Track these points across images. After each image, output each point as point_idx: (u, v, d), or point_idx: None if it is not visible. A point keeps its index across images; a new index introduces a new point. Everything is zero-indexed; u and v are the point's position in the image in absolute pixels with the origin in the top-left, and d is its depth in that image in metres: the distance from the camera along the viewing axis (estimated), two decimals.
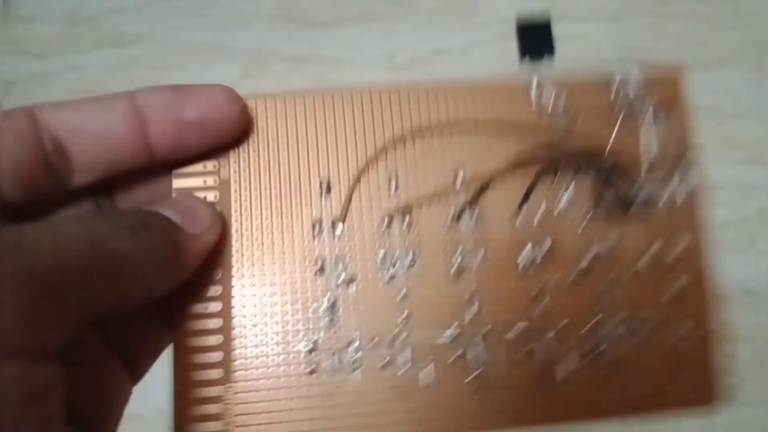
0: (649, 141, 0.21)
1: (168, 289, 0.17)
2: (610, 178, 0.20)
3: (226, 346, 0.19)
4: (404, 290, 0.19)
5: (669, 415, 0.19)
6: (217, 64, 0.36)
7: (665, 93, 0.21)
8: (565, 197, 0.20)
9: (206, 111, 0.18)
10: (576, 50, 0.36)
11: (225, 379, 0.18)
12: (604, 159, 0.20)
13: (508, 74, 0.19)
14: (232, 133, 0.19)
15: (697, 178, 0.21)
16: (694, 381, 0.19)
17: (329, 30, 0.35)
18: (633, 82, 0.21)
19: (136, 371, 0.19)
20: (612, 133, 0.21)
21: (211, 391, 0.18)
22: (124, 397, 0.19)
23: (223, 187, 0.19)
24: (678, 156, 0.21)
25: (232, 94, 0.18)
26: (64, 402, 0.14)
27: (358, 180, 0.20)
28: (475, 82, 0.21)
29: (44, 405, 0.13)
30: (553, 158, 0.20)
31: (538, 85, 0.21)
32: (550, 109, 0.21)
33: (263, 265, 0.19)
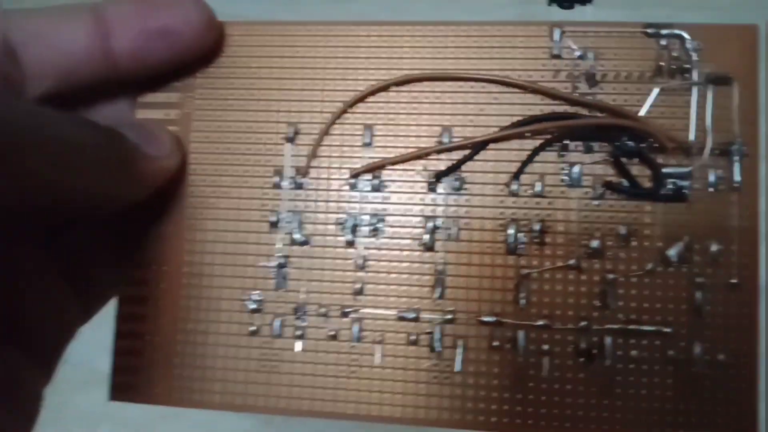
0: (695, 115, 0.16)
1: (115, 203, 0.16)
2: (633, 156, 0.16)
3: (172, 297, 0.18)
4: (361, 259, 0.17)
5: None
6: None
7: (726, 57, 0.16)
8: (571, 174, 0.17)
9: (172, 20, 0.17)
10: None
11: (166, 330, 0.18)
12: (629, 132, 0.16)
13: (526, 20, 0.16)
14: (198, 46, 0.17)
15: (746, 168, 0.16)
16: (720, 413, 0.16)
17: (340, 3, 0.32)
18: (684, 42, 0.17)
19: (87, 308, 0.19)
20: (646, 103, 0.17)
21: (151, 342, 0.18)
22: (72, 327, 0.18)
23: (185, 121, 0.18)
24: (729, 138, 0.16)
25: (199, 3, 0.17)
26: None
27: (327, 130, 0.17)
28: (480, 25, 0.17)
29: None
30: (565, 128, 0.17)
31: (562, 35, 0.17)
32: (571, 66, 0.17)
33: (217, 211, 0.18)
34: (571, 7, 0.17)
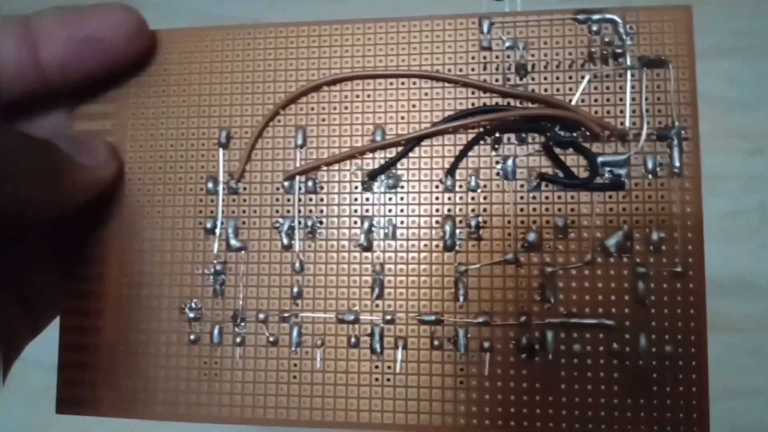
0: (630, 101, 0.16)
1: (49, 212, 0.16)
2: (567, 146, 0.16)
3: (113, 308, 0.17)
4: (298, 262, 0.17)
5: None
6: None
7: (660, 40, 0.16)
8: (505, 168, 0.16)
9: (100, 27, 0.17)
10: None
11: (109, 341, 0.17)
12: (561, 121, 0.16)
13: (457, 13, 0.15)
14: (129, 53, 0.17)
15: (686, 151, 0.16)
16: (668, 414, 0.15)
17: (331, 5, 0.32)
18: (616, 26, 0.16)
19: (35, 324, 0.19)
20: (578, 91, 0.16)
21: (94, 354, 0.17)
22: (20, 343, 0.18)
23: (121, 131, 0.18)
24: (667, 122, 0.16)
25: (129, 10, 0.17)
26: None
27: (259, 133, 0.17)
28: (409, 20, 0.17)
29: None
30: (498, 120, 0.16)
31: (490, 27, 0.17)
32: (502, 58, 0.17)
33: (154, 219, 0.18)
34: None
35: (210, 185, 0.17)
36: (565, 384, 0.16)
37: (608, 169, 0.16)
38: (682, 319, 0.15)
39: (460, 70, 0.17)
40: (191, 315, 0.17)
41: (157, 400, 0.17)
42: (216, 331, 0.17)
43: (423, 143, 0.17)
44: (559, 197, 0.16)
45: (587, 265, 0.16)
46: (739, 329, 0.36)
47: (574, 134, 0.16)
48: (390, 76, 0.17)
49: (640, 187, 0.16)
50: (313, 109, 0.17)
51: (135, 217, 0.18)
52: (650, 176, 0.16)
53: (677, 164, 0.16)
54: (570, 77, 0.16)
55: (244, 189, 0.17)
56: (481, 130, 0.16)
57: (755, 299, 0.37)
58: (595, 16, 0.16)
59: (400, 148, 0.17)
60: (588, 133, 0.16)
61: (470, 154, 0.16)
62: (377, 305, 0.16)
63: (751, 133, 0.38)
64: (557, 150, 0.16)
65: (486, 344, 0.16)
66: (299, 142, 0.17)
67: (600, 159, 0.16)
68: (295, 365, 0.17)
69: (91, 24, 0.16)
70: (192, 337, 0.17)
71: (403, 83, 0.17)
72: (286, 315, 0.17)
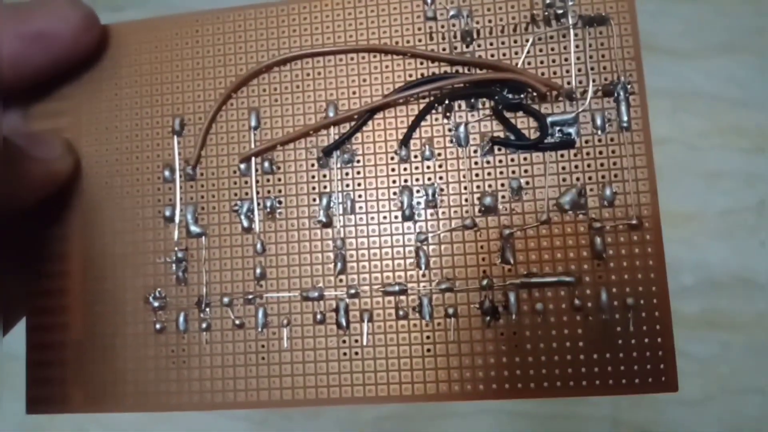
0: (574, 59, 0.16)
1: (4, 205, 0.16)
2: (516, 109, 0.16)
3: (78, 303, 0.17)
4: (259, 244, 0.17)
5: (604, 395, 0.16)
6: None
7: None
8: (458, 134, 0.16)
9: (47, 22, 0.16)
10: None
11: (76, 338, 0.17)
12: (508, 85, 0.16)
13: None
14: (78, 47, 0.17)
15: (633, 105, 0.16)
16: (635, 366, 0.15)
17: None
18: None
19: (2, 325, 0.18)
20: (522, 53, 0.16)
21: (62, 351, 0.17)
22: None
23: (76, 127, 0.18)
24: (612, 78, 0.16)
25: (75, 3, 0.17)
26: None
27: (212, 118, 0.17)
28: None
29: None
30: (446, 88, 0.16)
31: None
32: (447, 26, 0.17)
33: (113, 211, 0.17)
34: None
35: (167, 173, 0.17)
36: (531, 343, 0.16)
37: (558, 128, 0.16)
38: (641, 271, 0.15)
39: (408, 41, 0.17)
40: (156, 304, 0.17)
41: (127, 392, 0.17)
42: (181, 319, 0.17)
43: (375, 116, 0.17)
44: (512, 160, 0.16)
45: (543, 224, 0.16)
46: (738, 327, 0.36)
47: (522, 96, 0.16)
48: (338, 52, 0.17)
49: (590, 144, 0.16)
50: (264, 90, 0.17)
51: (95, 211, 0.18)
52: (599, 132, 0.16)
53: (625, 119, 0.16)
54: (515, 41, 0.16)
55: (201, 174, 0.17)
56: (431, 99, 0.16)
57: (754, 297, 0.37)
58: None
59: (353, 123, 0.17)
60: (535, 95, 0.16)
61: (422, 123, 0.17)
62: (341, 280, 0.16)
63: (751, 132, 0.39)
64: (507, 113, 0.16)
65: (450, 310, 0.16)
66: (253, 123, 0.17)
67: (549, 119, 0.16)
68: (263, 346, 0.17)
69: (38, 20, 0.16)
70: (158, 326, 0.17)
71: (352, 58, 0.17)
72: (250, 297, 0.17)
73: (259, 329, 0.17)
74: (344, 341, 0.16)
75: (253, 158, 0.17)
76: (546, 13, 0.16)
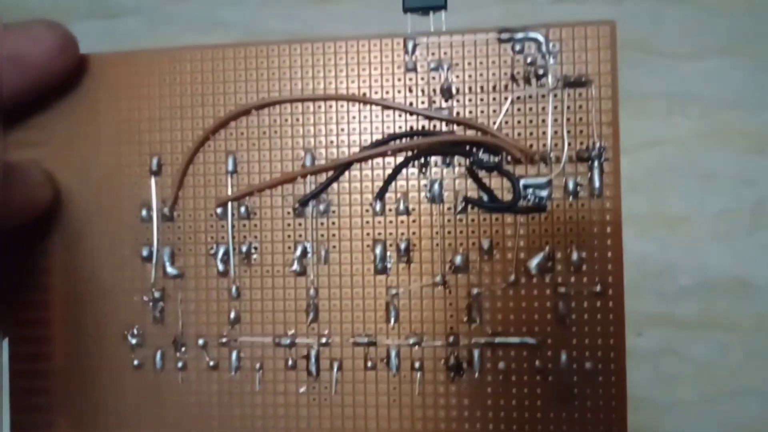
0: (552, 122, 0.16)
1: None
2: (491, 170, 0.16)
3: (58, 335, 0.18)
4: (234, 288, 0.17)
5: None
6: (209, 38, 0.34)
7: (584, 57, 0.16)
8: (432, 191, 0.16)
9: (22, 45, 0.16)
10: None
11: (59, 367, 0.18)
12: (484, 145, 0.16)
13: (380, 33, 0.15)
14: (53, 69, 0.17)
15: (610, 171, 0.16)
16: (590, 420, 0.16)
17: (324, 5, 0.31)
18: (540, 45, 0.16)
19: None
20: (500, 114, 0.16)
21: (44, 380, 0.18)
22: None
23: (55, 158, 0.18)
24: (588, 143, 0.16)
25: (52, 26, 0.16)
26: None
27: (190, 159, 0.17)
28: (335, 40, 0.17)
29: None
30: (424, 144, 0.16)
31: (415, 48, 0.17)
32: (427, 79, 0.17)
33: (92, 247, 0.18)
34: (426, 13, 0.17)
35: (144, 212, 0.17)
36: (492, 400, 0.16)
37: (531, 190, 0.16)
38: (602, 337, 0.16)
39: (387, 92, 0.17)
40: (133, 341, 0.18)
41: (109, 424, 0.18)
42: (158, 357, 0.17)
43: (352, 168, 0.17)
44: (484, 219, 0.16)
45: (511, 285, 0.16)
46: (735, 329, 0.36)
47: (497, 159, 0.16)
48: (317, 99, 0.17)
49: (561, 209, 0.16)
50: (242, 133, 0.17)
51: (74, 245, 0.18)
52: (571, 198, 0.16)
53: (597, 185, 0.16)
54: (494, 98, 0.16)
55: (178, 216, 0.17)
56: (409, 154, 0.16)
57: (751, 299, 0.37)
58: (519, 35, 0.16)
59: (329, 173, 0.17)
60: (510, 158, 0.16)
61: (398, 177, 0.17)
62: (313, 328, 0.17)
63: (747, 133, 0.38)
64: (482, 173, 0.16)
65: (417, 364, 0.16)
66: (230, 168, 0.17)
67: (522, 182, 0.16)
68: (236, 387, 0.17)
69: (13, 42, 0.16)
70: (136, 362, 0.18)
71: (330, 106, 0.17)
72: (224, 340, 0.17)
73: (233, 372, 0.17)
74: (314, 387, 0.17)
75: (229, 203, 0.17)
76: (527, 72, 0.16)
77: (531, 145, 0.16)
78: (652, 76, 0.38)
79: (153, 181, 0.17)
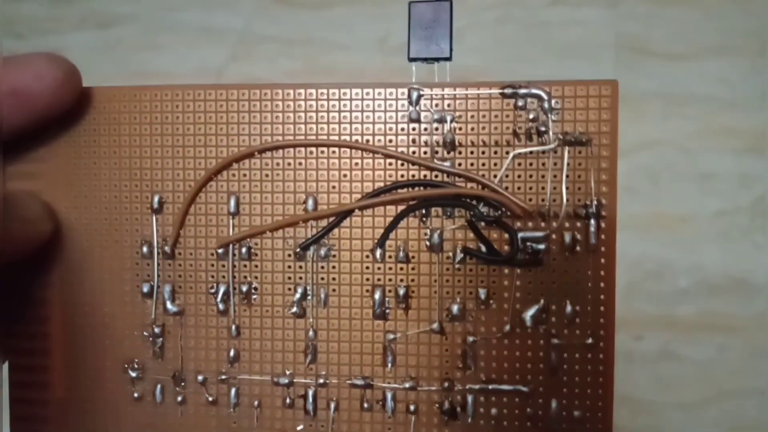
0: (551, 178, 0.16)
1: None
2: (491, 223, 0.17)
3: (59, 365, 0.18)
4: (234, 327, 0.17)
5: None
6: (204, 45, 0.34)
7: (586, 115, 0.16)
8: (432, 240, 0.17)
9: (22, 79, 0.16)
10: (571, 36, 0.30)
11: (59, 396, 0.18)
12: (485, 199, 0.16)
13: (385, 82, 0.15)
14: (54, 103, 0.17)
15: (603, 229, 0.16)
16: None
17: (318, 12, 0.31)
18: (542, 101, 0.16)
19: None
20: (501, 169, 0.16)
21: (45, 408, 0.18)
22: None
23: (55, 191, 0.18)
24: (586, 200, 0.16)
25: (54, 59, 0.16)
26: None
27: (192, 199, 0.17)
28: (340, 87, 0.17)
29: None
30: (423, 196, 0.17)
31: (419, 99, 0.17)
32: (430, 130, 0.17)
33: (92, 282, 0.18)
34: (431, 63, 0.17)
35: (145, 249, 0.18)
36: None
37: (529, 243, 0.16)
38: (591, 387, 0.16)
39: (390, 141, 0.17)
40: (134, 375, 0.18)
41: None
42: (158, 390, 0.18)
43: (354, 214, 0.17)
44: (482, 270, 0.17)
45: (506, 335, 0.17)
46: (734, 329, 0.36)
47: (497, 213, 0.16)
48: (321, 145, 0.17)
49: (558, 263, 0.16)
50: (245, 175, 0.17)
51: (74, 278, 0.18)
52: (567, 253, 0.16)
53: (593, 242, 0.16)
54: (495, 152, 0.17)
55: (179, 254, 0.18)
56: (410, 203, 0.17)
57: (749, 299, 0.37)
58: (522, 91, 0.16)
59: (331, 219, 0.17)
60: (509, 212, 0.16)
61: (399, 226, 0.17)
62: (311, 369, 0.17)
63: (743, 133, 0.38)
64: (482, 224, 0.17)
65: (412, 407, 0.17)
66: (232, 209, 0.17)
67: (521, 235, 0.16)
68: (234, 423, 0.18)
69: (13, 76, 0.16)
70: (136, 395, 0.18)
71: (334, 152, 0.17)
72: (223, 378, 0.18)
73: (231, 409, 0.18)
74: (311, 425, 0.17)
75: (230, 244, 0.17)
76: (530, 128, 0.16)
77: (530, 199, 0.16)
78: (649, 77, 0.39)
79: (154, 219, 0.18)
